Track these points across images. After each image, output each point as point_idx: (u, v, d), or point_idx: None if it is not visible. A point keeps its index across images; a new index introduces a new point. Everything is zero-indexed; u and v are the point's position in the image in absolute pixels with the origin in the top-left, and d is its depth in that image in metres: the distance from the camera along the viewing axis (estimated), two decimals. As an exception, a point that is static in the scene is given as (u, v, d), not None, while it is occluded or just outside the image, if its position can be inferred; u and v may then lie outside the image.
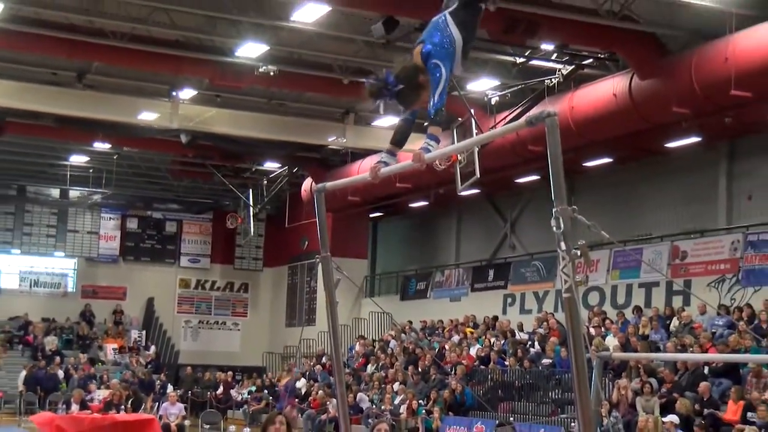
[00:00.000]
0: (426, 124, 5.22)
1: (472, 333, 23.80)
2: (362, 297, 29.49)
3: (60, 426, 17.13)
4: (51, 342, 30.18)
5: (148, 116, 21.96)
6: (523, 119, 4.51)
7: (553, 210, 4.06)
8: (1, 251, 31.90)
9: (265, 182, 29.99)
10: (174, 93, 21.57)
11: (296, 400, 17.61)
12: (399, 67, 5.14)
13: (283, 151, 26.20)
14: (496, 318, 23.91)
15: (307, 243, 30.39)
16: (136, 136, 24.50)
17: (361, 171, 24.53)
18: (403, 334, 25.92)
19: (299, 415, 17.50)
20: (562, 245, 4.04)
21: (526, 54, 17.75)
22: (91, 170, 29.41)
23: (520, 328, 22.74)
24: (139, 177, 30.73)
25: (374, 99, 5.13)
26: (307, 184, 27.55)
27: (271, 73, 18.93)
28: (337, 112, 22.85)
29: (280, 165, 28.46)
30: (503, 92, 19.30)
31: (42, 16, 17.47)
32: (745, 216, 19.85)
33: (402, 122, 5.43)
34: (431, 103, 5.09)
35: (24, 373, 26.45)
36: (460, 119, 19.48)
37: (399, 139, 5.38)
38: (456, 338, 23.88)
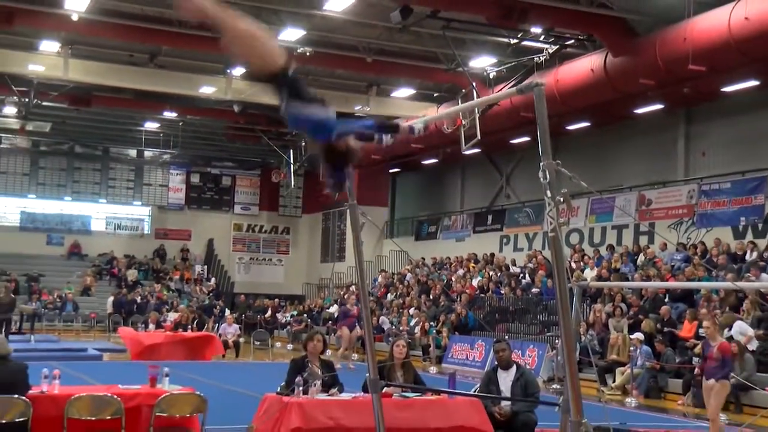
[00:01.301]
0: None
1: (474, 267, 23.87)
2: (383, 238, 29.61)
3: (141, 340, 17.42)
4: (132, 274, 30.52)
5: (207, 90, 21.92)
6: (514, 88, 4.50)
7: (541, 164, 4.07)
8: (91, 200, 32.16)
9: (303, 144, 29.95)
10: (228, 71, 21.50)
11: (353, 320, 17.65)
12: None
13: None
14: (493, 255, 23.96)
15: (338, 194, 30.41)
16: (198, 106, 24.51)
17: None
18: (417, 269, 26.04)
19: (352, 331, 17.56)
20: (548, 193, 4.05)
21: (519, 36, 17.56)
22: (161, 134, 29.47)
23: (514, 263, 22.78)
24: (200, 140, 30.77)
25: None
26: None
27: (307, 54, 18.80)
28: (362, 86, 22.73)
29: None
30: (499, 68, 19.11)
31: (120, 8, 17.41)
32: (699, 170, 19.73)
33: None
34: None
35: (111, 298, 26.83)
36: (464, 90, 19.38)
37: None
38: (461, 272, 23.97)
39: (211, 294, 30.06)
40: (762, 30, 13.57)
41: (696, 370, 11.92)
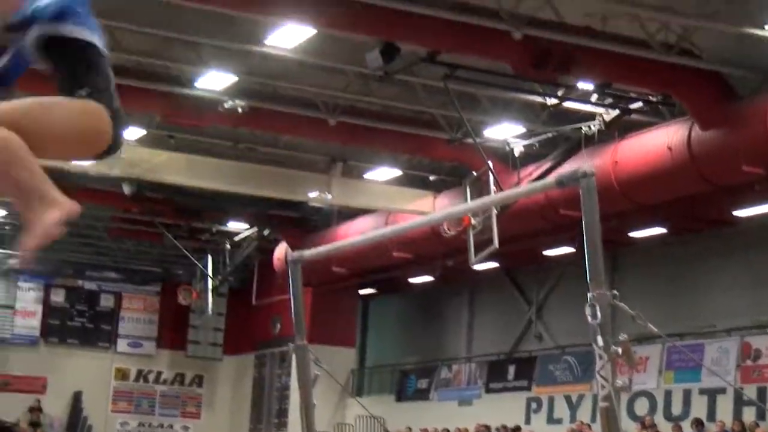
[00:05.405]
0: None
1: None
2: (347, 396, 29.25)
3: None
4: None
5: (82, 160, 21.96)
6: (552, 178, 4.54)
7: (588, 295, 4.04)
8: None
9: (229, 247, 29.91)
10: (117, 132, 21.60)
11: None
12: None
13: (252, 208, 26.20)
14: (517, 428, 23.70)
15: (279, 326, 30.25)
16: (67, 184, 24.48)
17: (350, 236, 24.53)
18: (398, 446, 25.68)
19: None
20: (599, 341, 4.02)
21: (559, 94, 17.82)
22: (7, 227, 29.37)
23: (548, 443, 22.56)
24: (68, 237, 30.65)
25: None
26: (281, 250, 27.47)
27: (239, 110, 18.98)
28: (321, 161, 22.90)
29: (247, 226, 28.42)
30: (530, 141, 19.33)
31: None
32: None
33: None
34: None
35: None
36: (474, 173, 19.52)
37: None
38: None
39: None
40: None
41: None
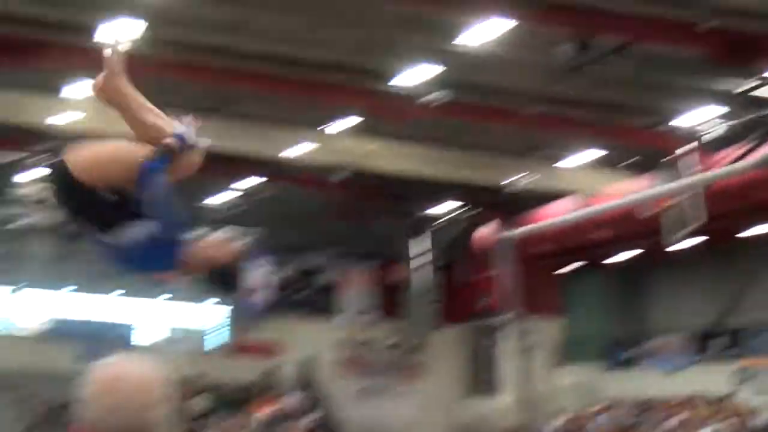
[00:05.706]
0: None
1: (698, 415, 23.21)
2: (557, 365, 29.20)
3: None
4: (199, 404, 30.74)
5: (299, 150, 22.59)
6: (758, 158, 4.55)
7: None
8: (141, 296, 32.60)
9: (439, 227, 30.26)
10: (328, 124, 22.14)
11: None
12: None
13: (457, 192, 26.52)
14: (726, 397, 23.31)
15: (487, 300, 30.32)
16: (287, 173, 25.20)
17: (551, 217, 24.50)
18: (611, 411, 25.56)
19: None
20: None
21: (753, 81, 17.39)
22: (242, 208, 30.47)
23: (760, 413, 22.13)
24: (288, 220, 31.60)
25: None
26: (486, 230, 27.52)
27: (441, 101, 19.25)
28: (518, 149, 23.03)
29: (453, 207, 28.81)
30: (724, 125, 18.93)
31: (181, 38, 18.04)
32: None
33: None
34: None
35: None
36: (667, 158, 19.25)
37: None
38: (674, 420, 23.36)
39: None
40: None
41: None
